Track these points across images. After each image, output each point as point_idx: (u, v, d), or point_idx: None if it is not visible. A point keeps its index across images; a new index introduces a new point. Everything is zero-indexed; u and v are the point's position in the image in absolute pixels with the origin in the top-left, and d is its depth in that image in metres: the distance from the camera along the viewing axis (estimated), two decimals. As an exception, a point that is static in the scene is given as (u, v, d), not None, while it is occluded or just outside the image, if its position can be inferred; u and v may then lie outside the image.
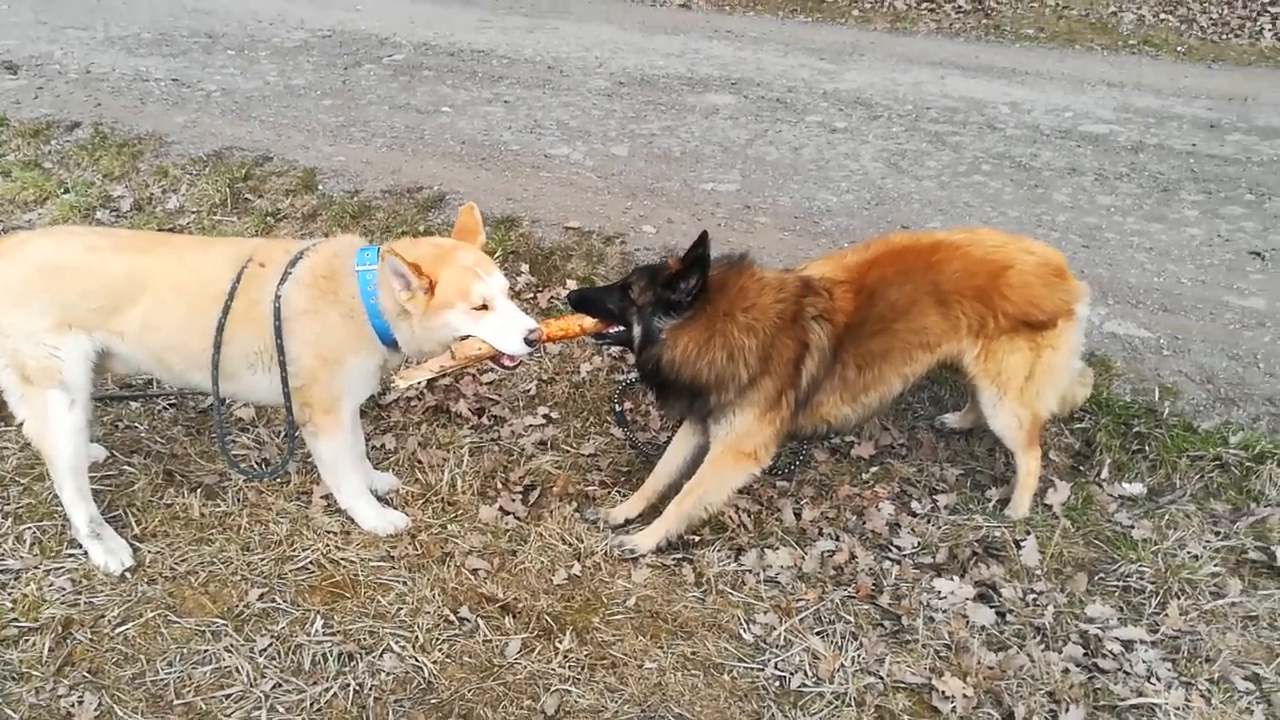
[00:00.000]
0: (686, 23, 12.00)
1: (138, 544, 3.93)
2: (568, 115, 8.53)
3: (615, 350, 5.49)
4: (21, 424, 3.71)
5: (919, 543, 4.23)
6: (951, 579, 3.99)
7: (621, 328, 3.89)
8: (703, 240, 3.66)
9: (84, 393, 3.68)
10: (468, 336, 3.64)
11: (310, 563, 3.90)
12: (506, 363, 3.72)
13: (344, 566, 3.89)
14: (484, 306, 3.59)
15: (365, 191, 7.02)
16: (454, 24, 11.41)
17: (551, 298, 5.84)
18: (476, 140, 7.99)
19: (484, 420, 5.01)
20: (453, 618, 3.69)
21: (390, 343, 3.77)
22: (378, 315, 3.70)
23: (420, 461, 4.62)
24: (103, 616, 3.62)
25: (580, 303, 4.03)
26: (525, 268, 6.10)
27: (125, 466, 4.34)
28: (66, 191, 7.11)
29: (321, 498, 4.21)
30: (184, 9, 11.84)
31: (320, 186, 7.12)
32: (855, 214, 6.90)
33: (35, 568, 3.81)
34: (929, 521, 4.36)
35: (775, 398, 3.85)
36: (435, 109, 8.65)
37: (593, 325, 3.94)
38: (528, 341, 3.59)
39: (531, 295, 5.91)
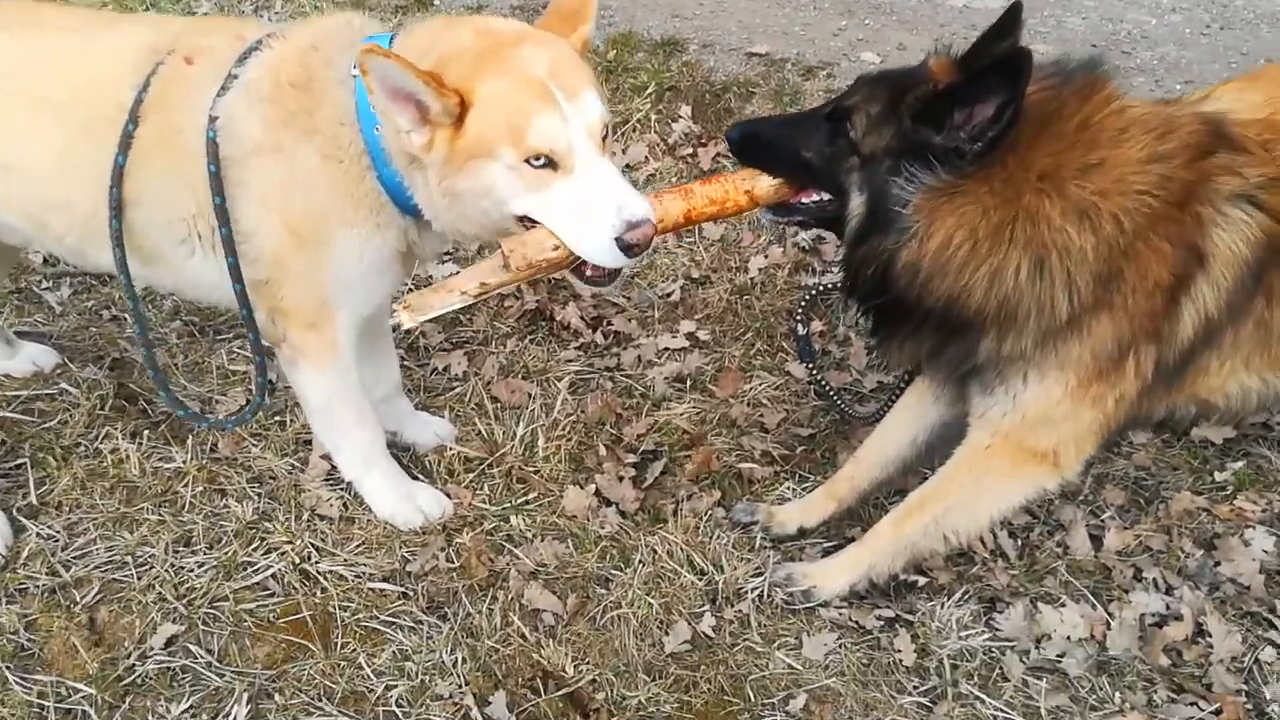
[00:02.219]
0: None
1: (23, 520, 2.56)
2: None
3: (808, 234, 3.63)
4: None
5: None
6: None
7: (826, 195, 2.18)
8: (1013, 17, 2.01)
9: None
10: (529, 219, 1.98)
11: (272, 577, 2.41)
12: (591, 276, 2.06)
13: (323, 590, 2.38)
14: (551, 163, 1.92)
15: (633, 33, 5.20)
16: None
17: (718, 155, 4.02)
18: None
19: (599, 336, 3.34)
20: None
21: (413, 209, 2.15)
22: (385, 160, 2.09)
23: (495, 399, 3.03)
24: None
25: (750, 144, 2.27)
26: (686, 110, 4.34)
27: (65, 386, 2.97)
28: None
29: (322, 457, 2.70)
30: None
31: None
32: (1187, 42, 4.68)
33: None
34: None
35: (1117, 356, 2.05)
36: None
37: (770, 191, 2.22)
38: (625, 248, 1.94)
39: (691, 150, 4.13)
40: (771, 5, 5.17)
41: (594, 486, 2.71)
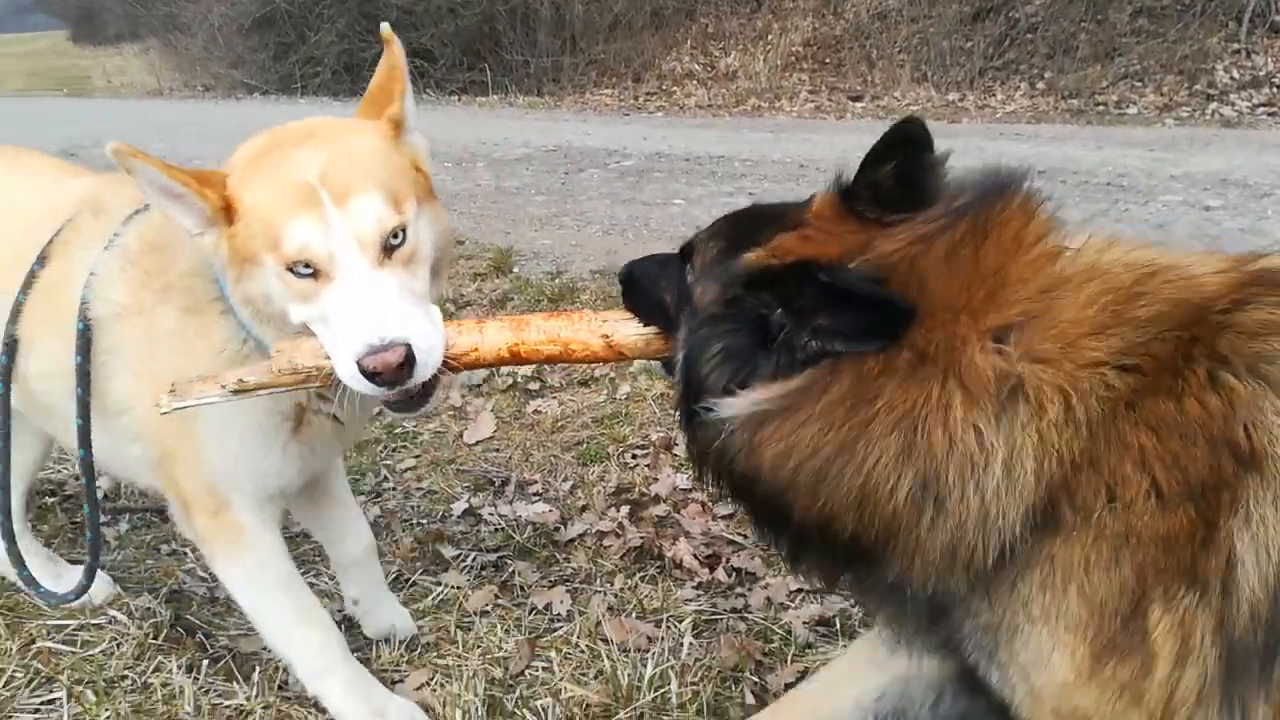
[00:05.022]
0: (960, 129, 10.15)
1: None
2: (830, 202, 6.72)
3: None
4: None
5: None
6: None
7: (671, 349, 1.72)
8: (905, 139, 1.51)
9: None
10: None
11: None
12: (386, 398, 1.79)
13: None
14: (311, 270, 1.73)
15: (570, 272, 5.40)
16: (690, 138, 10.15)
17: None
18: (714, 225, 6.29)
19: (719, 575, 2.92)
20: None
21: None
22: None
23: (607, 640, 2.58)
24: None
25: (631, 283, 1.87)
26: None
27: (115, 614, 2.53)
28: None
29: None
30: (413, 137, 11.37)
31: (516, 268, 5.56)
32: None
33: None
34: None
35: (1129, 612, 1.30)
36: (666, 202, 7.13)
37: (636, 341, 1.81)
38: (368, 374, 1.68)
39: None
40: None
41: (746, 737, 2.20)
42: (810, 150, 8.91)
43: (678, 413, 1.63)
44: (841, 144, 9.09)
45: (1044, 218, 1.45)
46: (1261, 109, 10.36)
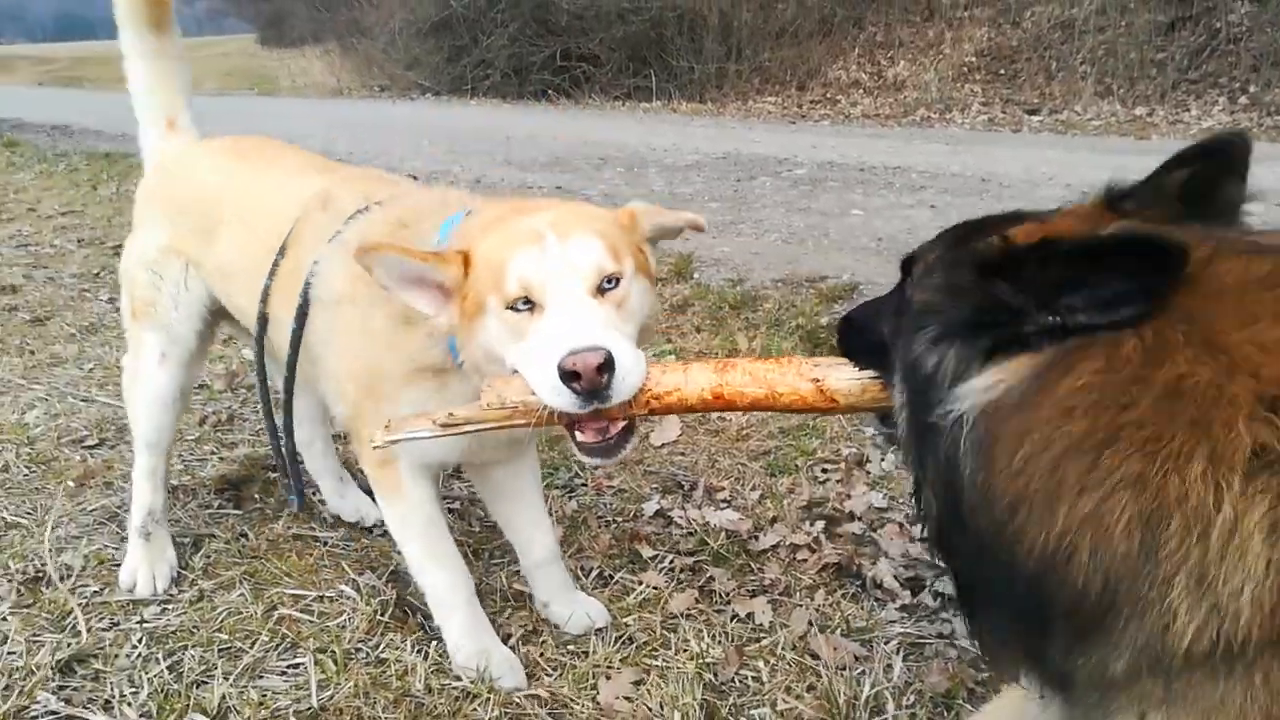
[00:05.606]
0: (1150, 146, 9.58)
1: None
2: (1018, 218, 6.47)
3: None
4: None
5: None
6: None
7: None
8: (1220, 144, 1.34)
9: (184, 347, 2.72)
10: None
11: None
12: (584, 443, 1.84)
13: None
14: (532, 306, 1.81)
15: (751, 280, 5.39)
16: (860, 148, 9.98)
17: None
18: (896, 237, 6.19)
19: (923, 599, 2.85)
20: None
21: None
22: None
23: (815, 656, 2.55)
24: None
25: (847, 329, 1.72)
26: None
27: (344, 589, 2.70)
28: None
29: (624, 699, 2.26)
30: (581, 141, 11.58)
31: (696, 275, 5.59)
32: None
33: None
34: None
35: None
36: (843, 212, 7.03)
37: (853, 387, 1.65)
38: (567, 378, 1.69)
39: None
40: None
41: (971, 770, 2.13)
42: (991, 165, 8.60)
43: (907, 457, 1.42)
44: (1024, 158, 8.73)
45: None
46: None
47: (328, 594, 2.68)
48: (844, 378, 1.64)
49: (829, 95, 15.54)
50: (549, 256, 1.79)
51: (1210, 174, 1.30)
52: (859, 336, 1.63)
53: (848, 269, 5.47)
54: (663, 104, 16.39)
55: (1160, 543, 1.08)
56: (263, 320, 2.45)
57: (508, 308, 1.81)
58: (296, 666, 2.36)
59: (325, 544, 3.00)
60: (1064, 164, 8.39)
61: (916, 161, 9.00)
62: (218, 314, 2.76)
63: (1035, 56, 14.09)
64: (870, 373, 1.61)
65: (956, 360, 1.25)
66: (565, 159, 10.41)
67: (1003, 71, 14.47)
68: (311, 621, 2.54)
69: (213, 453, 3.68)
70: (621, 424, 1.83)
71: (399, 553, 2.95)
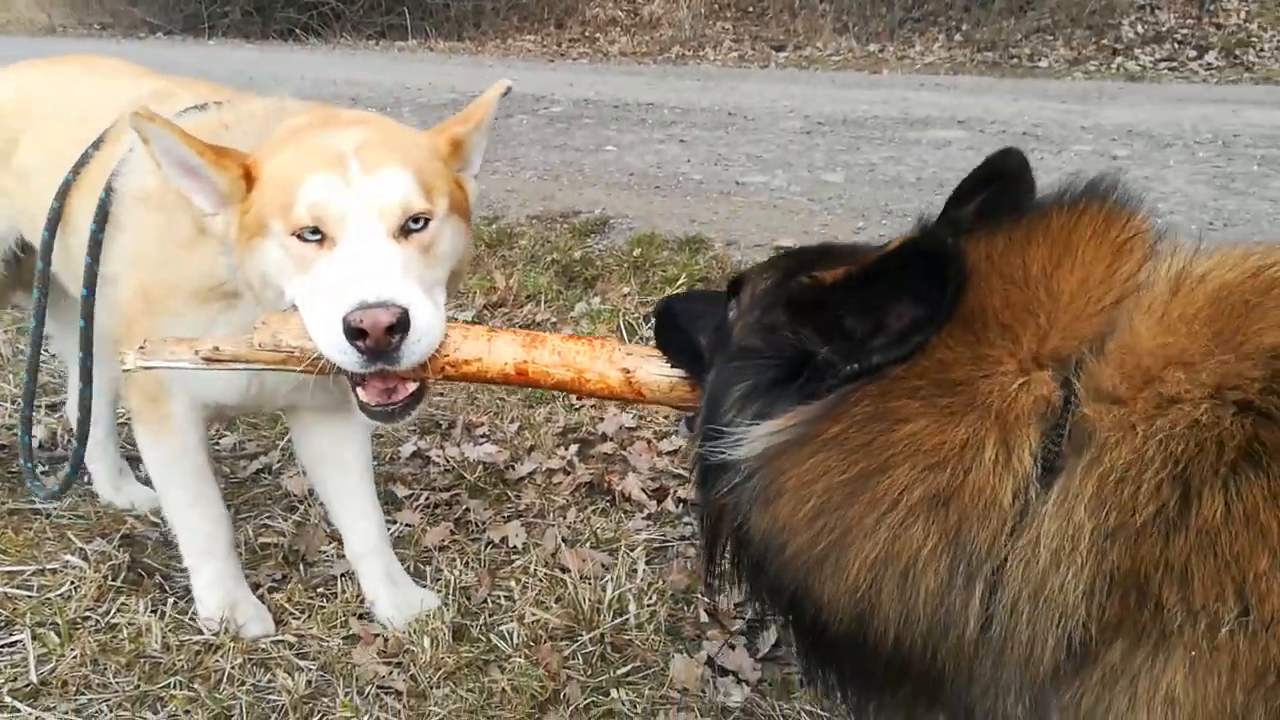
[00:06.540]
0: (881, 80, 10.32)
1: (17, 704, 2.05)
2: (759, 150, 6.84)
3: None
4: None
5: None
6: None
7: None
8: (996, 167, 1.32)
9: None
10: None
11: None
12: (366, 403, 1.69)
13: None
14: (320, 234, 1.65)
15: (507, 218, 5.40)
16: (617, 85, 10.09)
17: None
18: (647, 172, 6.36)
19: (667, 506, 3.04)
20: None
21: None
22: None
23: (565, 569, 2.67)
24: None
25: (665, 321, 1.66)
26: (721, 297, 4.20)
27: (70, 559, 2.53)
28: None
29: (374, 634, 2.30)
30: (330, 81, 11.02)
31: (449, 215, 5.53)
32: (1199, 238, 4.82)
33: None
34: None
35: None
36: (598, 148, 7.13)
37: (660, 383, 1.61)
38: (350, 334, 1.54)
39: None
40: (784, 213, 5.33)
41: (704, 654, 2.32)
42: (738, 99, 8.97)
43: (693, 470, 1.41)
44: (770, 93, 9.16)
45: (1128, 222, 1.13)
46: (1163, 64, 10.77)
47: (50, 566, 2.51)
48: (654, 372, 1.59)
49: (587, 34, 15.56)
50: (349, 186, 1.61)
51: (998, 196, 1.26)
52: (677, 334, 1.57)
53: (600, 203, 5.59)
54: (419, 43, 15.83)
55: (974, 567, 1.01)
56: (53, 218, 2.17)
57: (293, 234, 1.64)
58: (14, 645, 2.21)
59: (48, 516, 2.79)
60: (805, 98, 8.88)
61: (669, 98, 9.23)
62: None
63: (780, -5, 14.71)
64: (681, 372, 1.57)
65: (750, 413, 1.20)
66: (313, 100, 9.90)
67: (751, 9, 15.00)
68: (30, 596, 2.38)
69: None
70: (411, 387, 1.67)
71: (135, 516, 2.84)
